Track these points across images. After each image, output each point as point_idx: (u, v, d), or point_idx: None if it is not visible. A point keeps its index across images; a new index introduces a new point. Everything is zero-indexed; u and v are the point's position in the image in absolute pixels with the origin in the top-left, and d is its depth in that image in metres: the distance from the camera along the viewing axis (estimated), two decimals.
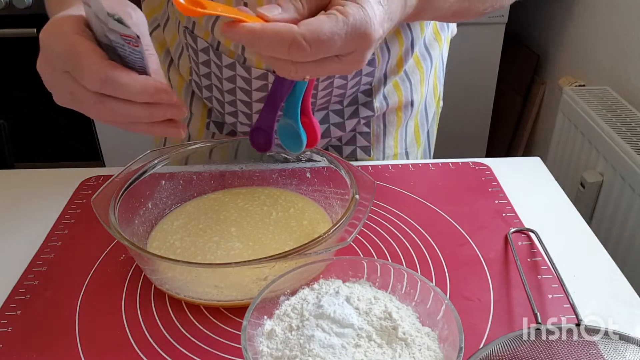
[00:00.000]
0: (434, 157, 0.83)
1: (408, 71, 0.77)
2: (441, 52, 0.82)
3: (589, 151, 1.29)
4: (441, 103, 0.88)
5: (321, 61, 0.42)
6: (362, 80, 0.72)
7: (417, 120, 0.83)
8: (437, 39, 0.80)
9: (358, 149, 0.79)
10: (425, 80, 0.80)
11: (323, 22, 0.41)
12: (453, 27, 0.84)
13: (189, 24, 0.70)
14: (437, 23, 0.78)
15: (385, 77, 0.75)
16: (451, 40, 0.86)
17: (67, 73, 0.46)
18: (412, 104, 0.80)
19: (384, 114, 0.79)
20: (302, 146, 0.56)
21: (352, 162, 0.78)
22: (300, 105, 0.54)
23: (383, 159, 0.81)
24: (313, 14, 0.43)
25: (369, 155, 0.80)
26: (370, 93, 0.75)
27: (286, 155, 0.70)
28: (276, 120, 0.55)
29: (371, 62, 0.71)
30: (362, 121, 0.77)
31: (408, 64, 0.77)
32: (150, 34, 0.81)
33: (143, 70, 0.46)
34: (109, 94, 0.45)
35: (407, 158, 0.84)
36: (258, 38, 0.40)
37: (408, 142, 0.83)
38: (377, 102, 0.76)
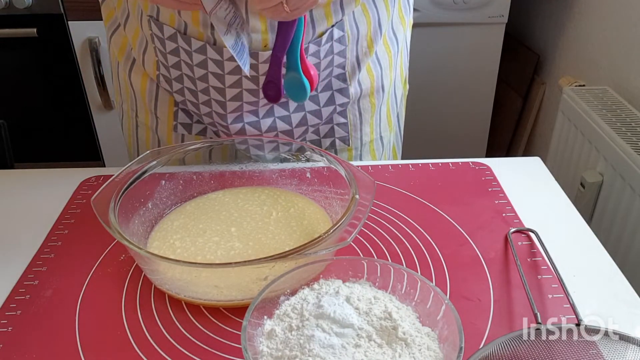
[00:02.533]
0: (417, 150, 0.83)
1: (379, 54, 0.79)
2: (405, 35, 0.84)
3: (589, 151, 1.29)
4: (407, 86, 0.90)
5: None
6: (334, 60, 0.73)
7: (389, 105, 0.85)
8: (402, 22, 0.81)
9: (337, 140, 0.81)
10: (393, 64, 0.82)
11: None
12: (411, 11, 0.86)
13: (152, 12, 0.69)
14: (401, 6, 0.80)
15: (359, 61, 0.76)
16: (451, 39, 0.87)
17: None
18: (382, 88, 0.81)
19: (357, 101, 0.80)
20: (308, 93, 0.64)
21: (352, 162, 0.78)
22: (299, 56, 0.62)
23: (361, 146, 0.83)
24: None
25: (348, 145, 0.81)
26: (344, 78, 0.76)
27: (286, 156, 0.70)
28: (282, 72, 0.64)
29: (342, 40, 0.72)
30: (339, 109, 0.78)
31: (378, 46, 0.78)
32: (110, 37, 0.81)
33: None
34: None
35: (382, 143, 0.86)
36: None
37: (382, 127, 0.85)
38: (352, 88, 0.77)
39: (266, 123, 0.75)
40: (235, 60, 0.67)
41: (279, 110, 0.75)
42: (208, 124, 0.77)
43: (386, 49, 0.79)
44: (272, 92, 0.66)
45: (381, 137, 0.86)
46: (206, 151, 0.70)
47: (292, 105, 0.75)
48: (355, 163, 0.81)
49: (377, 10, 0.74)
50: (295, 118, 0.76)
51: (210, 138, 0.79)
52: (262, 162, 0.72)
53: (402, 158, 0.91)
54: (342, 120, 0.79)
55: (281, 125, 0.75)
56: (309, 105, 0.76)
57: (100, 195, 0.58)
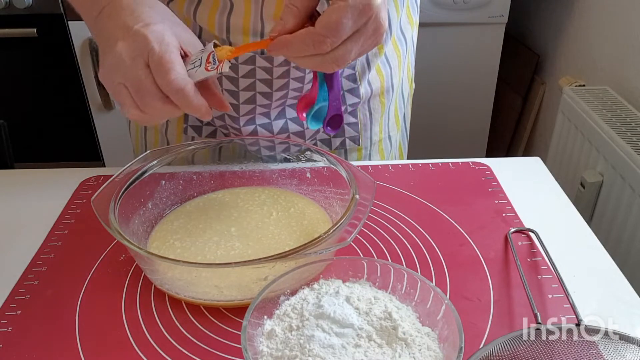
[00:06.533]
0: (418, 148, 0.83)
1: (388, 54, 0.79)
2: (412, 35, 0.84)
3: (589, 151, 1.29)
4: (414, 85, 0.90)
5: (346, 42, 0.50)
6: None
7: (397, 104, 0.85)
8: (410, 22, 0.81)
9: (347, 140, 0.81)
10: (402, 63, 0.82)
11: (330, 14, 0.48)
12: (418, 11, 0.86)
13: None
14: (409, 5, 0.80)
15: (369, 62, 0.76)
16: (451, 39, 0.87)
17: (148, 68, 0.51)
18: (392, 88, 0.81)
19: (368, 101, 0.80)
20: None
21: (352, 162, 0.78)
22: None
23: (370, 146, 0.83)
24: (309, 7, 0.51)
25: (358, 145, 0.82)
26: (355, 79, 0.76)
27: (286, 156, 0.70)
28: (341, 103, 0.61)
29: None
30: (349, 109, 0.78)
31: (388, 46, 0.78)
32: None
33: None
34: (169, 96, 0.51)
35: (390, 142, 0.86)
36: (289, 46, 0.50)
37: (390, 126, 0.85)
38: (363, 88, 0.77)
39: (278, 125, 0.75)
40: (249, 64, 0.67)
41: (290, 112, 0.75)
42: (219, 127, 0.77)
43: (395, 49, 0.79)
44: (337, 123, 0.61)
45: (389, 137, 0.86)
46: (210, 151, 0.70)
47: None
48: (356, 163, 0.81)
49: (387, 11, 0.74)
50: None
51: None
52: (266, 162, 0.72)
53: (405, 157, 0.91)
54: (353, 120, 0.79)
55: (293, 127, 0.75)
56: None
57: (100, 195, 0.58)
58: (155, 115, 0.52)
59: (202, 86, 0.54)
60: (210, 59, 0.53)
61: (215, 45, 0.54)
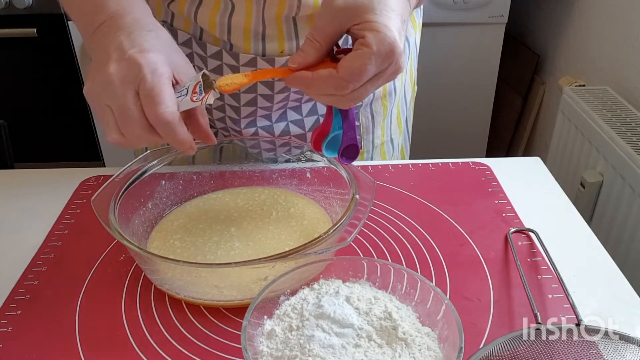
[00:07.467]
0: (420, 148, 0.83)
1: None
2: (415, 38, 0.83)
3: (589, 151, 1.29)
4: (416, 87, 0.90)
5: (366, 84, 0.50)
6: None
7: (399, 107, 0.85)
8: (413, 24, 0.81)
9: None
10: (405, 66, 0.81)
11: (354, 61, 0.49)
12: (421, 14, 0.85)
13: (166, 17, 0.69)
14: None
15: None
16: (451, 39, 0.86)
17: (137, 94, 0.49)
18: (394, 91, 0.81)
19: (370, 104, 0.79)
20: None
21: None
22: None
23: (372, 149, 0.83)
24: (331, 42, 0.51)
25: (360, 148, 0.81)
26: None
27: (286, 156, 0.70)
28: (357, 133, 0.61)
29: None
30: None
31: None
32: None
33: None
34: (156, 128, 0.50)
35: (392, 145, 0.86)
36: (309, 85, 0.51)
37: (392, 129, 0.85)
38: None
39: (279, 127, 0.75)
40: (250, 67, 0.67)
41: (292, 115, 0.75)
42: (220, 129, 0.77)
43: None
44: (353, 153, 0.60)
45: (392, 140, 0.85)
46: (215, 150, 0.70)
47: (305, 109, 0.75)
48: (355, 163, 0.81)
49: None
50: (308, 122, 0.75)
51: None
52: (266, 162, 0.72)
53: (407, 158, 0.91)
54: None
55: (294, 129, 0.75)
56: (322, 109, 0.76)
57: (100, 195, 0.58)
58: (136, 142, 0.51)
59: (189, 116, 0.53)
60: (197, 89, 0.50)
61: (204, 76, 0.51)
